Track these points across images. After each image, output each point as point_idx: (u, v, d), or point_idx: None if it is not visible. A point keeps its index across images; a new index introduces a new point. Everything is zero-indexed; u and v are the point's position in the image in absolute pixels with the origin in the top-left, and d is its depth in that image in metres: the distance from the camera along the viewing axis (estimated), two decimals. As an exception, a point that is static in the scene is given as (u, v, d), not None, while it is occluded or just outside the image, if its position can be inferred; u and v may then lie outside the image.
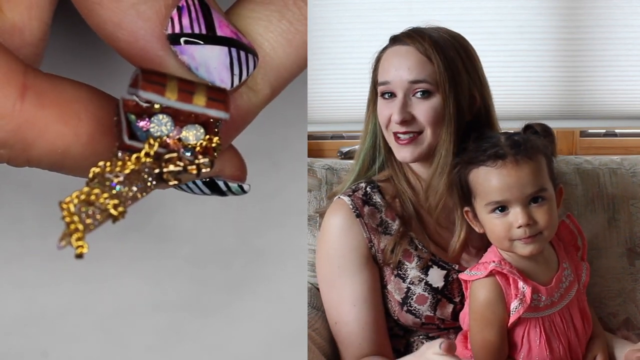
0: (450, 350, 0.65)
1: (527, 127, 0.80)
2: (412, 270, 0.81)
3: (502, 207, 0.75)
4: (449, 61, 0.79)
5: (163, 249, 0.68)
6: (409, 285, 0.81)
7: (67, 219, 0.39)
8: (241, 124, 0.44)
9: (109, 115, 0.42)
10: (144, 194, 0.41)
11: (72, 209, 0.39)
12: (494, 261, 0.76)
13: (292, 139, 0.68)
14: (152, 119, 0.40)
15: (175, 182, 0.41)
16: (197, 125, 0.41)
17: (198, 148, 0.41)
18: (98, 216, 0.39)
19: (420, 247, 0.81)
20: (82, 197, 0.39)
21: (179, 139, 0.41)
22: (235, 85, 0.41)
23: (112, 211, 0.39)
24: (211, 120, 0.41)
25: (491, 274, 0.75)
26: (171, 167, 0.41)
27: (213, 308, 0.70)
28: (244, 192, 0.48)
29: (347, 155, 1.28)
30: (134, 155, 0.40)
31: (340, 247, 0.82)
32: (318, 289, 0.86)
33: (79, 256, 0.38)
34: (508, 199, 0.74)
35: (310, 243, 0.90)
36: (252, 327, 0.70)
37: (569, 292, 0.78)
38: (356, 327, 0.80)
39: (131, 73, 0.42)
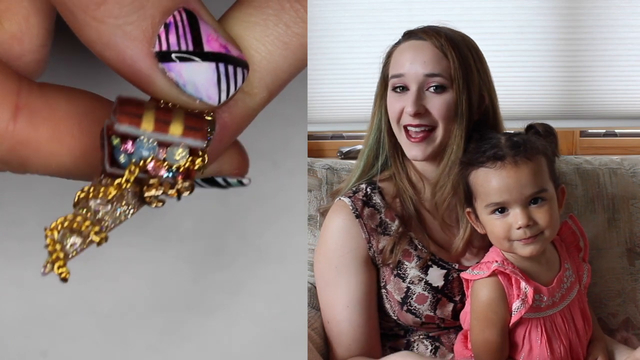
0: None
1: (529, 127, 0.80)
2: (411, 269, 0.81)
3: (502, 209, 0.75)
4: (463, 58, 0.79)
5: (163, 249, 0.68)
6: (408, 285, 0.81)
7: (50, 248, 0.41)
8: (236, 130, 0.45)
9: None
10: (128, 216, 0.43)
11: (56, 236, 0.41)
12: (496, 261, 0.76)
13: (292, 138, 0.68)
14: (136, 141, 0.41)
15: (158, 204, 0.42)
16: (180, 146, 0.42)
17: (182, 169, 0.42)
18: (81, 244, 0.42)
19: (419, 246, 0.81)
20: (66, 224, 0.41)
21: (164, 159, 0.42)
22: (222, 101, 0.41)
23: (94, 237, 0.41)
24: None
25: (494, 273, 0.75)
26: (152, 192, 0.42)
27: (213, 308, 0.70)
28: (243, 185, 0.48)
29: (347, 155, 1.28)
30: (116, 181, 0.42)
31: (340, 247, 0.82)
32: (318, 289, 0.86)
33: (64, 280, 0.41)
34: (507, 200, 0.74)
35: (310, 243, 0.90)
36: (252, 327, 0.70)
37: (570, 292, 0.78)
38: (347, 328, 0.81)
39: None
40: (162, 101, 0.42)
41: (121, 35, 0.39)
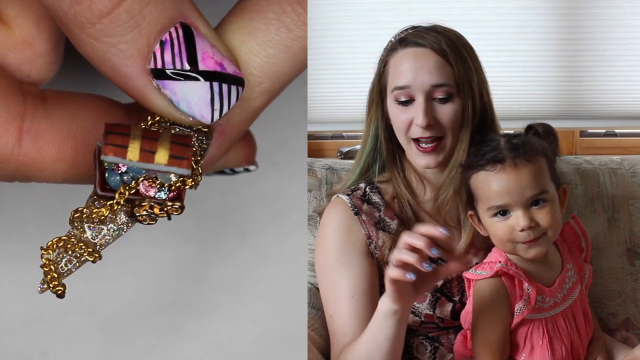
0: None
1: (529, 128, 0.80)
2: (411, 269, 0.80)
3: (504, 211, 0.74)
4: (463, 62, 0.78)
5: (163, 249, 0.68)
6: (408, 285, 0.80)
7: (46, 268, 0.43)
8: (235, 136, 0.45)
9: None
10: (122, 234, 0.44)
11: (52, 255, 0.43)
12: (500, 261, 0.75)
13: (292, 138, 0.68)
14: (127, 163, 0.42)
15: (151, 222, 0.44)
16: None
17: (173, 187, 0.43)
18: (75, 263, 0.44)
19: (419, 247, 0.81)
20: (61, 244, 0.44)
21: (156, 177, 0.43)
22: (215, 119, 0.42)
23: (88, 257, 0.44)
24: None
25: (497, 274, 0.75)
26: (143, 212, 0.43)
27: (213, 308, 0.70)
28: (249, 171, 0.50)
29: (347, 155, 1.28)
30: (108, 203, 0.43)
31: (340, 242, 0.81)
32: (318, 289, 0.86)
33: (60, 296, 0.44)
34: (508, 202, 0.74)
35: (310, 243, 0.90)
36: (252, 327, 0.70)
37: (572, 293, 0.78)
38: (352, 318, 0.79)
39: None
40: (149, 123, 0.43)
41: (116, 53, 0.39)
